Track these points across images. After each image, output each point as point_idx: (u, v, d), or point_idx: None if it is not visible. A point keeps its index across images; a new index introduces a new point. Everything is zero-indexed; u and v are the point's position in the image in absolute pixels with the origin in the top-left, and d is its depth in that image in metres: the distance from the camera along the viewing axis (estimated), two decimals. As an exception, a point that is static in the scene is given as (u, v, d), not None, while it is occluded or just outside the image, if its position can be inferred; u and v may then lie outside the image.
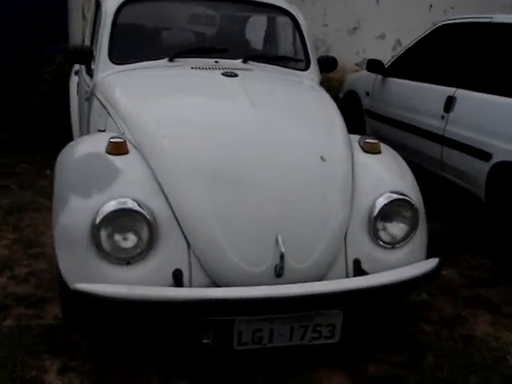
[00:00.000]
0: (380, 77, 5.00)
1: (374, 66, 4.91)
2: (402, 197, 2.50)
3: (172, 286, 2.20)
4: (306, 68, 3.43)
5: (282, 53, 3.52)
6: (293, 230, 2.30)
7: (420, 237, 2.59)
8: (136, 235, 2.21)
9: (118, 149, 2.40)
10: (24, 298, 2.91)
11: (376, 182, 2.57)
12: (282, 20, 3.55)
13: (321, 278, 2.33)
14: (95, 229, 2.17)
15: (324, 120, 2.75)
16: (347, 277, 2.40)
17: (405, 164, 2.81)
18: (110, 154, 2.39)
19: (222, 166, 2.35)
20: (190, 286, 2.24)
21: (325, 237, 2.34)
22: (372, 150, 2.72)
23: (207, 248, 2.24)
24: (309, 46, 3.48)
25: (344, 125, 2.81)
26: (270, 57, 3.39)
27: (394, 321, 2.91)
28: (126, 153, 2.42)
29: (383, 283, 2.34)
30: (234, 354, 2.27)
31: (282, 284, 2.24)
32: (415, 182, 2.72)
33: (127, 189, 2.27)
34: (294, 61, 3.44)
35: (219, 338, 2.23)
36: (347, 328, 2.37)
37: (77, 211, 2.23)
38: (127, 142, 2.44)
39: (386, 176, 2.64)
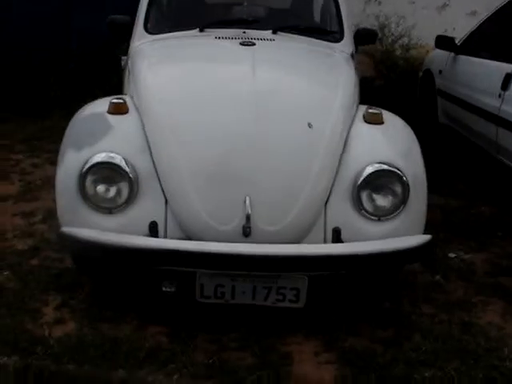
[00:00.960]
0: (452, 54, 4.73)
1: (443, 42, 4.66)
2: (389, 168, 2.44)
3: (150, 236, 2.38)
4: (339, 39, 3.39)
5: (316, 24, 3.49)
6: (264, 193, 2.35)
7: (412, 212, 2.51)
8: (118, 187, 2.40)
9: (117, 109, 2.60)
10: (55, 243, 3.26)
11: (367, 152, 2.53)
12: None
13: (296, 243, 2.38)
14: (81, 177, 2.39)
15: (326, 88, 2.73)
16: (325, 242, 2.41)
17: (410, 137, 2.72)
18: (110, 113, 2.60)
19: (204, 128, 2.46)
20: (165, 237, 2.39)
21: (298, 202, 2.36)
22: (374, 121, 2.66)
23: (181, 204, 2.38)
24: (344, 18, 3.43)
25: (351, 94, 2.77)
26: (300, 28, 3.38)
27: (389, 297, 2.84)
28: (125, 113, 2.61)
29: (351, 252, 2.32)
30: (197, 305, 2.40)
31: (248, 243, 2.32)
32: (417, 157, 2.63)
33: (116, 144, 2.46)
34: (327, 32, 3.41)
35: (182, 289, 2.37)
36: (313, 294, 2.40)
37: (70, 162, 2.46)
38: (128, 104, 2.63)
39: (379, 146, 2.58)
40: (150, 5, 3.36)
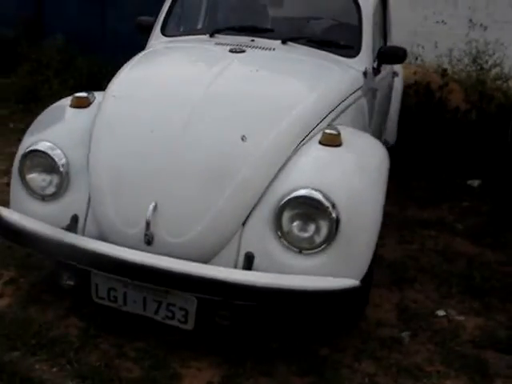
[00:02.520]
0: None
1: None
2: (315, 196, 2.18)
3: (70, 228, 2.41)
4: (354, 55, 3.09)
5: (331, 37, 3.22)
6: (172, 201, 2.25)
7: (343, 250, 2.22)
8: (50, 177, 2.47)
9: (78, 103, 2.67)
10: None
11: (301, 176, 2.29)
12: (345, 2, 3.24)
13: (201, 261, 2.23)
14: (21, 162, 2.50)
15: (284, 103, 2.50)
16: (235, 268, 2.23)
17: (366, 165, 2.43)
18: (71, 106, 2.68)
19: (135, 127, 2.41)
20: (83, 232, 2.41)
21: (207, 217, 2.22)
22: (328, 142, 2.40)
23: (97, 201, 2.37)
24: (365, 33, 3.13)
25: (314, 113, 2.53)
26: (313, 40, 3.16)
27: (325, 342, 2.53)
28: (86, 107, 2.67)
29: (242, 282, 2.11)
30: (94, 304, 2.36)
31: (151, 252, 2.23)
32: (365, 189, 2.32)
33: (58, 136, 2.53)
34: (341, 46, 3.13)
35: (79, 284, 2.36)
36: (203, 319, 2.22)
37: (20, 146, 2.59)
38: (90, 98, 2.69)
39: (316, 171, 2.31)
40: (170, 8, 3.40)
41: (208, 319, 2.22)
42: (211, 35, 3.22)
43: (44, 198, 2.49)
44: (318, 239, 2.21)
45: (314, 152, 2.39)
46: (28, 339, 2.42)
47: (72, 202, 2.45)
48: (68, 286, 2.38)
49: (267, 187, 2.29)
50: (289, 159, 2.36)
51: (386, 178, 2.48)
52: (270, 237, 2.24)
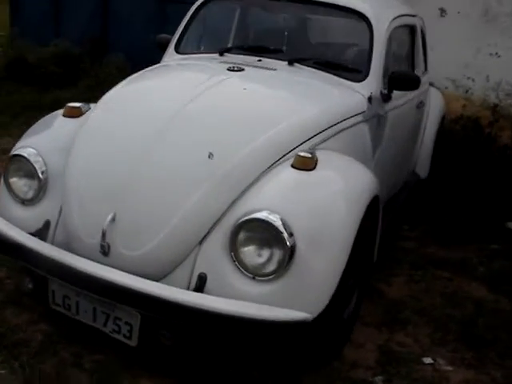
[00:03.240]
0: None
1: None
2: (269, 220, 2.08)
3: (41, 233, 2.44)
4: (361, 80, 2.97)
5: (339, 60, 3.10)
6: (130, 214, 2.22)
7: (297, 280, 2.10)
8: (29, 181, 2.53)
9: (70, 112, 2.72)
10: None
11: (263, 198, 2.20)
12: (357, 25, 3.12)
13: (155, 277, 2.18)
14: (6, 167, 2.59)
15: (260, 123, 2.42)
16: (188, 288, 2.16)
17: (338, 192, 2.28)
18: (64, 115, 2.74)
19: (110, 137, 2.41)
20: (53, 238, 2.43)
21: (162, 232, 2.17)
22: (301, 166, 2.29)
23: (66, 209, 2.39)
24: (375, 58, 2.99)
25: (292, 136, 2.43)
26: (320, 62, 3.05)
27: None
28: (78, 116, 2.72)
29: (179, 302, 2.03)
30: (51, 310, 2.35)
31: (106, 263, 2.21)
32: (332, 218, 2.18)
33: (42, 142, 2.60)
34: (349, 70, 3.01)
35: (38, 289, 2.36)
36: (146, 336, 2.15)
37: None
38: (82, 108, 2.73)
39: (278, 195, 2.21)
40: (186, 27, 3.42)
41: (151, 337, 2.16)
42: (221, 54, 3.21)
43: (24, 202, 2.54)
44: (271, 266, 2.10)
45: (283, 175, 2.29)
46: (-8, 339, 2.48)
47: (47, 208, 2.48)
48: (28, 289, 2.40)
49: (229, 207, 2.22)
50: (256, 180, 2.27)
51: (363, 207, 2.32)
52: (224, 259, 2.15)
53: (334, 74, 3.00)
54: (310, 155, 2.31)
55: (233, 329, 2.07)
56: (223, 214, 2.21)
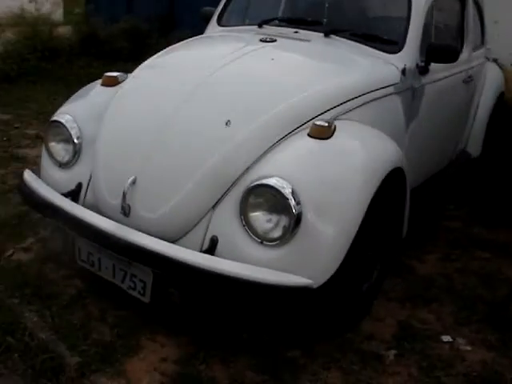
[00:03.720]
0: None
1: None
2: (280, 188, 2.11)
3: (73, 194, 2.61)
4: (397, 51, 2.89)
5: (375, 30, 3.01)
6: (150, 177, 2.33)
7: (303, 247, 2.14)
8: (66, 145, 2.69)
9: (107, 81, 2.86)
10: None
11: (275, 165, 2.24)
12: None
13: (171, 239, 2.28)
14: (46, 131, 2.78)
15: (279, 93, 2.43)
16: (200, 250, 2.25)
17: (350, 161, 2.28)
18: (102, 84, 2.87)
19: (139, 104, 2.53)
20: (84, 199, 2.59)
21: (177, 197, 2.27)
22: (317, 135, 2.31)
23: (95, 171, 2.53)
24: (412, 28, 2.90)
25: (311, 105, 2.44)
26: (357, 33, 2.99)
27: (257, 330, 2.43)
28: (114, 85, 2.85)
29: (195, 265, 2.10)
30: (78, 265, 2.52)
31: (127, 224, 2.33)
32: (345, 188, 2.19)
33: (78, 109, 2.75)
34: (384, 41, 2.94)
35: (67, 244, 2.53)
36: (158, 294, 2.25)
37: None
38: (119, 78, 2.85)
39: (293, 163, 2.24)
40: (228, 0, 3.48)
41: (162, 295, 2.26)
42: (260, 26, 3.24)
43: (61, 165, 2.71)
44: (277, 232, 2.14)
45: (299, 143, 2.31)
46: (28, 290, 2.68)
47: (80, 171, 2.64)
48: (59, 245, 2.59)
49: (243, 173, 2.27)
50: (272, 148, 2.31)
51: (379, 179, 2.30)
52: (234, 223, 2.22)
53: (370, 46, 2.95)
54: (326, 124, 2.31)
55: (237, 290, 2.13)
56: (237, 180, 2.27)
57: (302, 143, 2.30)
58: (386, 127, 2.73)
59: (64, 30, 8.05)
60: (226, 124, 2.32)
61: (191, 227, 2.28)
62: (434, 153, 3.46)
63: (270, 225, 2.16)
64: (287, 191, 2.11)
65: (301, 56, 2.83)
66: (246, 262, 2.15)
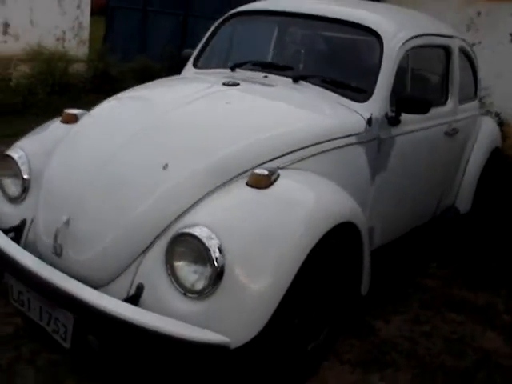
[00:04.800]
0: None
1: None
2: (204, 239, 2.01)
3: (17, 230, 2.54)
4: (364, 100, 2.79)
5: (348, 78, 2.91)
6: (81, 220, 2.25)
7: (226, 303, 2.00)
8: (15, 181, 2.64)
9: (66, 118, 2.82)
10: None
11: (204, 214, 2.14)
12: (369, 43, 2.92)
13: (100, 283, 2.19)
14: None
15: (221, 138, 2.36)
16: (126, 297, 2.14)
17: (294, 216, 2.15)
18: (61, 121, 2.84)
19: (84, 142, 2.49)
20: (27, 236, 2.52)
21: (107, 241, 2.18)
22: (255, 184, 2.20)
23: (37, 210, 2.46)
24: (382, 78, 2.80)
25: (254, 153, 2.35)
26: (326, 80, 2.90)
27: None
28: (73, 122, 2.80)
29: (111, 313, 1.99)
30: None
31: (59, 265, 2.25)
32: (276, 242, 2.07)
33: (32, 145, 2.71)
34: (354, 89, 2.85)
35: (1, 283, 2.44)
36: (78, 340, 2.13)
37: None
38: (79, 115, 2.82)
39: (221, 213, 2.14)
40: (207, 42, 3.45)
41: (81, 341, 2.15)
42: (232, 69, 3.19)
43: (10, 200, 2.66)
44: (200, 284, 2.02)
45: (234, 191, 2.22)
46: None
47: (26, 207, 2.57)
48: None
49: (175, 220, 2.17)
50: (207, 195, 2.21)
51: (319, 233, 2.16)
52: (161, 272, 2.11)
53: (339, 93, 2.86)
54: (266, 173, 2.21)
55: (154, 343, 2.00)
56: (168, 226, 2.17)
57: (238, 192, 2.21)
58: (346, 178, 2.62)
59: (79, 67, 8.23)
60: (164, 168, 2.24)
61: (119, 273, 2.18)
62: (411, 207, 3.30)
63: (194, 276, 2.05)
64: (211, 242, 2.01)
65: (259, 101, 2.75)
66: (169, 313, 2.03)
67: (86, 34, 9.42)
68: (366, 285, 2.65)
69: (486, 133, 4.11)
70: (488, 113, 4.90)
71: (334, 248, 2.38)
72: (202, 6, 7.54)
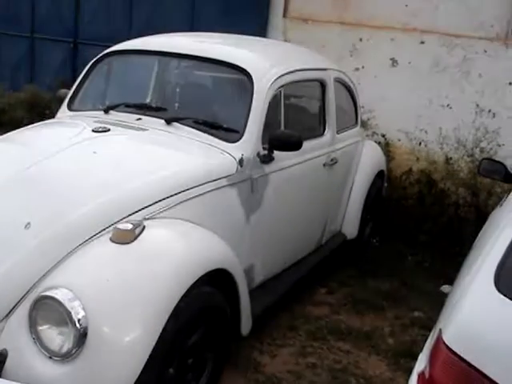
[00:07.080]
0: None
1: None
2: (64, 301, 1.94)
3: None
4: (237, 140, 2.80)
5: (220, 119, 2.94)
6: None
7: (92, 365, 1.92)
8: None
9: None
10: None
11: (64, 275, 2.07)
12: (240, 83, 2.96)
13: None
14: None
15: (84, 192, 2.31)
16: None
17: (159, 273, 2.11)
18: None
19: None
20: None
21: None
22: (119, 240, 2.14)
23: None
24: (252, 118, 2.82)
25: (120, 205, 2.30)
26: (198, 121, 2.90)
27: None
28: None
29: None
30: None
31: None
32: (139, 299, 2.02)
33: None
34: (226, 130, 2.87)
35: None
36: None
37: None
38: None
39: (81, 273, 2.07)
40: (81, 83, 3.36)
41: None
42: (106, 111, 3.11)
43: None
44: (64, 347, 1.94)
45: (97, 249, 2.15)
46: None
47: None
48: None
49: (38, 281, 2.07)
50: (71, 254, 2.13)
51: (186, 284, 2.12)
52: (25, 336, 2.01)
53: (211, 134, 2.85)
54: (129, 227, 2.16)
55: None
56: (32, 288, 2.07)
57: (101, 249, 2.14)
58: (219, 221, 2.62)
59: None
60: (26, 227, 2.14)
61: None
62: (292, 240, 3.34)
63: (59, 338, 1.96)
64: (72, 303, 1.93)
65: (128, 149, 2.71)
66: (36, 378, 1.95)
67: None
68: (246, 325, 2.65)
69: (369, 158, 4.27)
70: (374, 134, 5.11)
71: (208, 294, 2.37)
72: (93, 32, 7.35)
